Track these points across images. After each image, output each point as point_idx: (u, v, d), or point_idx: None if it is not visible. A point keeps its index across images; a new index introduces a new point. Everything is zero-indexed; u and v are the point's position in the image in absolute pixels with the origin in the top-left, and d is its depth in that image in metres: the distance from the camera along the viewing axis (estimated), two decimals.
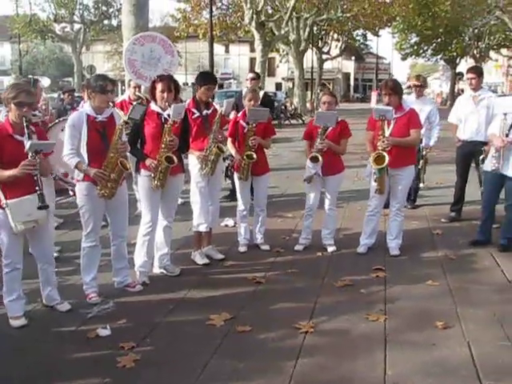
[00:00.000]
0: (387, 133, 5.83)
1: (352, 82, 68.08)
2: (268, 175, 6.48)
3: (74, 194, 8.22)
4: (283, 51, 35.54)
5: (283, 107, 27.03)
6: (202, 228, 5.99)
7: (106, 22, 30.26)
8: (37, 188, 4.26)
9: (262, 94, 8.53)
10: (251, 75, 8.40)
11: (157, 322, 4.56)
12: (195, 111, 5.84)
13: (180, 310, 4.82)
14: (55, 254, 5.78)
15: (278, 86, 56.15)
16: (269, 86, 50.36)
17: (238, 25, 25.31)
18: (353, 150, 9.12)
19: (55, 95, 18.69)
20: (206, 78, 5.84)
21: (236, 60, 60.63)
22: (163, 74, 5.94)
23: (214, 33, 24.32)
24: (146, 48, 7.83)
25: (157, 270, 5.67)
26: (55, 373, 3.80)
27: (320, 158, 5.94)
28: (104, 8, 29.31)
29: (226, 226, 7.39)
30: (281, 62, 44.62)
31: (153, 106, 5.29)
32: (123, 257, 5.28)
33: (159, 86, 5.23)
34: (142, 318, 4.62)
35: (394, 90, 5.88)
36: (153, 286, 5.34)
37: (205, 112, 5.85)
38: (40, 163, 4.30)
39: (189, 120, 5.58)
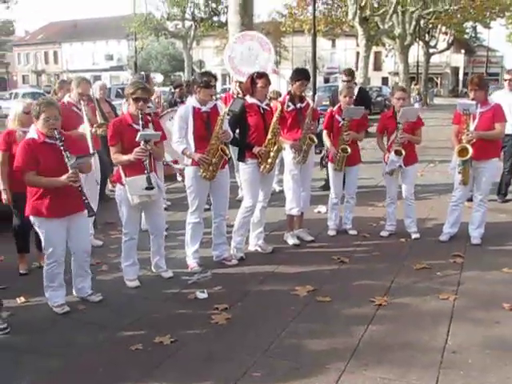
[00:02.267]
0: (472, 126, 6.09)
1: (461, 77, 65.80)
2: (359, 166, 6.95)
3: (182, 180, 9.11)
4: (389, 45, 35.21)
5: (387, 102, 26.94)
6: (294, 212, 6.55)
7: (215, 18, 31.40)
8: (145, 171, 5.00)
9: (357, 89, 8.91)
10: (346, 71, 8.81)
11: (248, 290, 5.21)
12: (290, 104, 6.38)
13: (269, 281, 5.44)
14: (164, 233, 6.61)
15: (385, 81, 55.52)
16: (375, 80, 49.91)
17: (343, 20, 25.50)
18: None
19: (167, 89, 19.83)
20: (300, 74, 6.37)
21: (342, 54, 60.49)
22: (260, 70, 6.57)
23: (319, 28, 24.77)
24: (244, 46, 8.46)
25: (252, 248, 6.32)
26: (161, 323, 4.54)
27: (403, 151, 6.32)
28: (213, 5, 30.49)
29: (319, 212, 7.91)
30: (386, 56, 44.12)
31: (250, 99, 5.92)
32: (222, 233, 5.97)
33: (260, 82, 5.85)
34: (236, 286, 5.28)
35: (480, 85, 6.12)
36: (247, 260, 6.00)
37: (299, 105, 6.38)
38: (153, 149, 5.05)
39: (247, 115, 5.94)
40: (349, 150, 6.50)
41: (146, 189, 5.02)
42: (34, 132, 4.70)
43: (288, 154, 6.47)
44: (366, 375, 3.67)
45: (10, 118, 5.68)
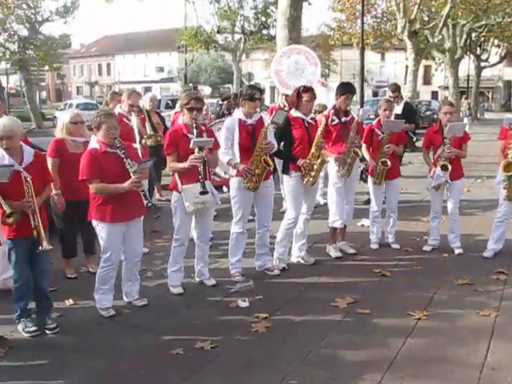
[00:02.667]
0: None
1: None
2: (399, 180, 6.96)
3: (228, 191, 9.25)
4: (439, 59, 34.78)
5: (435, 116, 26.67)
6: (337, 224, 6.60)
7: (264, 31, 31.69)
8: (200, 177, 5.17)
9: (402, 103, 8.92)
10: (392, 87, 8.84)
11: (288, 299, 5.29)
12: (335, 118, 6.45)
13: (310, 291, 5.51)
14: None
15: (434, 95, 54.72)
16: (424, 94, 49.26)
17: (393, 33, 25.38)
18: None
19: (214, 101, 20.16)
20: (345, 88, 6.44)
21: (391, 68, 60.01)
22: (306, 84, 6.67)
23: (368, 41, 24.76)
24: (291, 60, 8.58)
25: (294, 259, 6.39)
26: (202, 330, 4.66)
27: (449, 166, 6.30)
28: (263, 19, 30.80)
29: (362, 225, 7.92)
30: (436, 70, 43.57)
31: (295, 113, 6.02)
32: (265, 244, 6.07)
33: (305, 96, 5.95)
34: (276, 296, 5.37)
35: None
36: (289, 271, 6.08)
37: (343, 119, 6.45)
38: (207, 156, 5.22)
39: (291, 129, 6.02)
40: (389, 163, 6.52)
41: (201, 193, 5.18)
42: (95, 143, 4.93)
43: (332, 167, 6.53)
44: None
45: (57, 127, 5.92)
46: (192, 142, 5.15)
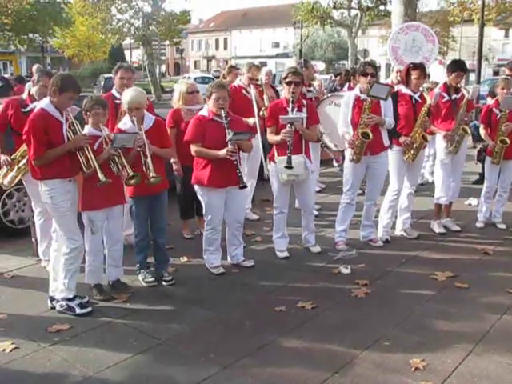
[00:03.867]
0: None
1: None
2: None
3: (338, 166, 9.45)
4: None
5: None
6: (442, 201, 6.64)
7: (381, 7, 31.04)
8: (288, 151, 5.41)
9: None
10: (509, 65, 8.54)
11: (389, 270, 5.47)
12: (445, 95, 6.45)
13: (410, 264, 5.65)
14: (315, 212, 7.02)
15: None
16: None
17: None
18: None
19: (327, 77, 20.20)
20: (456, 66, 6.41)
21: None
22: (422, 61, 6.69)
23: (490, 16, 23.56)
24: (409, 37, 8.51)
25: (398, 232, 6.53)
26: (304, 292, 4.98)
27: (508, 141, 6.25)
28: None
29: (470, 204, 7.84)
30: None
31: (404, 89, 6.10)
32: (371, 216, 6.29)
33: (414, 73, 6.02)
34: (378, 265, 5.57)
35: None
36: (392, 243, 6.24)
37: (454, 96, 6.43)
38: (302, 131, 5.52)
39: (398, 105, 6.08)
40: (508, 141, 6.41)
41: (286, 167, 5.44)
42: (205, 110, 5.33)
43: (440, 144, 6.55)
44: (492, 358, 3.81)
45: (174, 97, 6.36)
46: (281, 119, 5.42)
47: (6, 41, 34.77)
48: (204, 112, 5.35)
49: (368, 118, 5.69)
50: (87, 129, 4.69)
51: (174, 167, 6.13)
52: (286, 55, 64.93)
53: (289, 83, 5.56)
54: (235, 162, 5.16)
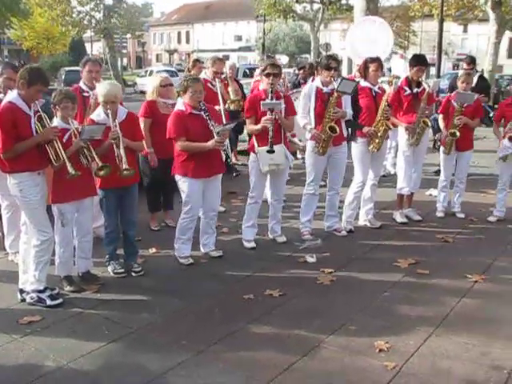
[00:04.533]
0: None
1: None
2: (471, 152, 7.10)
3: (302, 157, 9.59)
4: None
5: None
6: (404, 191, 6.86)
7: (343, 1, 31.40)
8: (269, 137, 5.53)
9: (476, 76, 8.91)
10: (467, 60, 8.84)
11: (353, 258, 5.67)
12: (407, 89, 6.65)
13: (374, 252, 5.86)
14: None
15: None
16: (508, 68, 47.18)
17: (476, 3, 24.54)
18: None
19: (291, 70, 20.37)
20: (417, 60, 6.62)
21: (474, 40, 57.70)
22: (380, 55, 6.89)
23: (449, 12, 24.08)
24: (365, 31, 8.73)
25: (361, 222, 6.72)
26: (271, 280, 5.11)
27: (457, 133, 6.53)
28: None
29: (430, 195, 8.08)
30: None
31: (363, 83, 6.28)
32: (334, 206, 6.45)
33: (372, 66, 6.21)
34: (342, 254, 5.75)
35: None
36: (356, 233, 6.44)
37: (415, 90, 6.64)
38: (280, 119, 5.66)
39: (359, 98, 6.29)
40: (457, 134, 6.65)
41: (268, 152, 5.58)
42: (181, 105, 5.42)
43: (402, 136, 6.76)
44: (451, 339, 4.01)
45: (148, 91, 6.41)
46: (262, 104, 5.56)
47: None
48: (180, 106, 5.42)
49: (334, 112, 5.84)
50: (56, 122, 4.71)
51: (150, 158, 6.17)
52: (248, 49, 64.97)
53: (267, 75, 5.69)
54: (225, 152, 5.29)
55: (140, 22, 33.33)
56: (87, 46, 55.02)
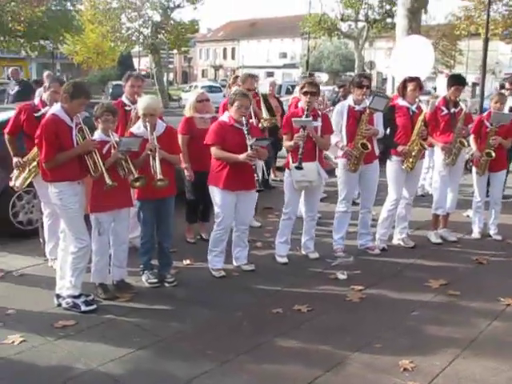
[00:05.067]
0: None
1: None
2: (504, 173, 7.05)
3: None
4: None
5: None
6: (440, 211, 6.83)
7: (388, 20, 31.29)
8: (299, 153, 5.62)
9: None
10: (510, 79, 8.74)
11: (384, 276, 5.67)
12: (444, 109, 6.65)
13: (406, 271, 5.85)
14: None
15: None
16: None
17: None
18: None
19: (331, 88, 20.42)
20: (455, 80, 6.63)
21: None
22: (421, 74, 6.90)
23: (496, 31, 23.77)
24: (407, 50, 8.72)
25: (395, 241, 6.71)
26: (301, 295, 5.16)
27: (493, 154, 6.47)
28: (387, 7, 30.49)
29: (467, 216, 7.97)
30: None
31: (401, 102, 6.30)
32: (367, 224, 6.47)
33: (410, 85, 6.23)
34: (373, 272, 5.76)
35: None
36: (389, 252, 6.42)
37: (452, 110, 6.63)
38: (315, 137, 5.75)
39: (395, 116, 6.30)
40: (493, 154, 6.60)
41: (296, 168, 5.66)
42: (226, 116, 5.60)
43: (439, 156, 6.74)
44: (479, 363, 3.97)
45: (186, 107, 6.58)
46: (293, 121, 5.66)
47: (18, 47, 35.15)
48: (225, 118, 5.60)
49: (366, 129, 5.88)
50: (97, 134, 4.90)
51: (186, 172, 6.32)
52: (293, 66, 65.18)
53: (305, 93, 5.79)
54: (254, 167, 5.38)
55: (186, 38, 33.81)
56: (135, 60, 56.27)
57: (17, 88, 12.97)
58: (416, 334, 4.41)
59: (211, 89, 30.54)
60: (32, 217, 6.79)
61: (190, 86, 37.02)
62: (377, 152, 6.22)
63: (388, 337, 4.32)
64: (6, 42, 33.34)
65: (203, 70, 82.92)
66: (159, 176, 4.89)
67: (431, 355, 4.04)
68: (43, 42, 37.07)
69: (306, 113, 5.71)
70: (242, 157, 5.32)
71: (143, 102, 5.15)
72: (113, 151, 4.82)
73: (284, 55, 70.83)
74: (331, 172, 9.89)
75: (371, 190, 6.31)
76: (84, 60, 44.28)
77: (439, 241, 6.77)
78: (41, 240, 6.03)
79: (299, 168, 5.66)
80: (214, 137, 5.48)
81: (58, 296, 4.87)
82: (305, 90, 5.81)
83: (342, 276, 5.60)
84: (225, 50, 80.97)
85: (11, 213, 6.69)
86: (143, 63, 60.44)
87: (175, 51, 38.28)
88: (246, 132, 5.39)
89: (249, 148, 5.32)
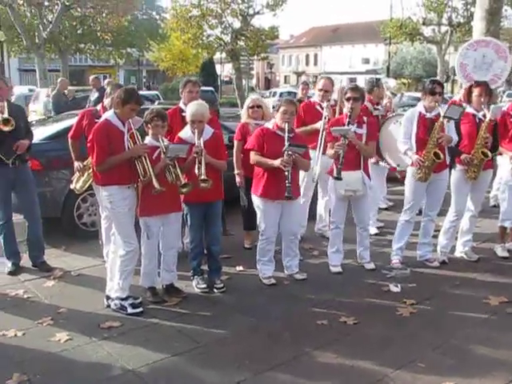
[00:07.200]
0: None
1: None
2: None
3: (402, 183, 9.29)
4: None
5: None
6: (507, 223, 6.44)
7: (472, 23, 30.21)
8: (338, 163, 5.51)
9: None
10: None
11: (440, 290, 5.41)
12: None
13: (464, 286, 5.54)
14: (375, 230, 7.04)
15: None
16: None
17: None
18: None
19: (411, 93, 19.92)
20: None
21: None
22: (493, 79, 6.56)
23: None
24: (478, 53, 8.29)
25: (457, 254, 6.40)
26: (350, 307, 5.01)
27: None
28: (473, 9, 29.37)
29: None
30: None
31: (468, 109, 5.99)
32: (428, 234, 6.19)
33: (476, 91, 5.93)
34: (429, 286, 5.52)
35: None
36: (449, 265, 6.12)
37: None
38: (359, 146, 5.61)
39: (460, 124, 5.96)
40: None
41: (335, 178, 5.55)
42: (271, 123, 5.57)
43: (507, 165, 6.39)
44: None
45: (241, 113, 6.60)
46: (331, 130, 5.57)
47: (107, 55, 36.77)
48: (269, 124, 5.56)
49: (439, 137, 5.64)
50: (147, 139, 4.98)
51: (237, 179, 6.33)
52: (375, 72, 64.16)
53: (348, 99, 5.67)
54: (286, 173, 5.22)
55: (266, 45, 34.00)
56: (217, 67, 57.28)
57: (96, 95, 13.52)
58: (465, 354, 4.16)
59: (290, 94, 30.51)
60: (95, 219, 6.98)
61: (270, 92, 37.15)
62: (448, 161, 5.94)
63: (434, 356, 4.11)
64: (96, 51, 34.99)
65: (286, 76, 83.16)
66: (203, 176, 4.90)
67: (478, 378, 3.81)
68: (130, 50, 38.59)
69: (348, 120, 5.57)
70: (276, 162, 5.23)
71: (192, 108, 5.18)
72: (163, 156, 4.88)
73: (367, 61, 69.86)
74: (393, 180, 9.66)
75: (437, 198, 6.02)
76: (169, 66, 45.54)
77: (506, 255, 6.39)
78: (100, 242, 6.19)
79: (338, 178, 5.53)
80: (254, 142, 5.46)
81: (108, 297, 4.98)
82: (347, 95, 5.68)
83: (395, 289, 5.41)
84: (307, 55, 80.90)
85: (76, 214, 6.93)
86: (226, 69, 61.37)
87: (255, 57, 38.59)
88: (286, 139, 5.28)
89: (285, 154, 5.23)
